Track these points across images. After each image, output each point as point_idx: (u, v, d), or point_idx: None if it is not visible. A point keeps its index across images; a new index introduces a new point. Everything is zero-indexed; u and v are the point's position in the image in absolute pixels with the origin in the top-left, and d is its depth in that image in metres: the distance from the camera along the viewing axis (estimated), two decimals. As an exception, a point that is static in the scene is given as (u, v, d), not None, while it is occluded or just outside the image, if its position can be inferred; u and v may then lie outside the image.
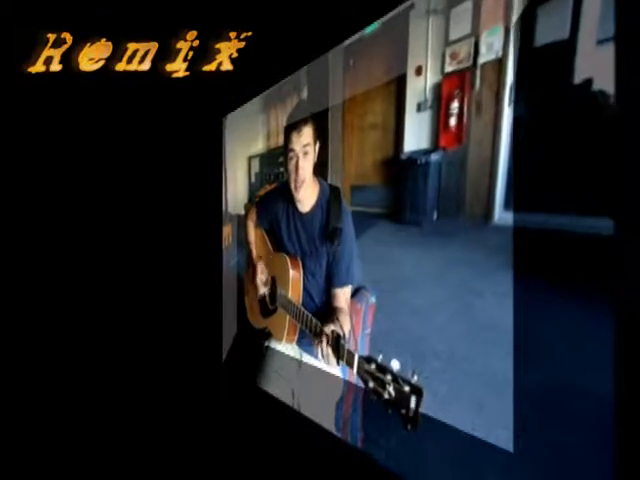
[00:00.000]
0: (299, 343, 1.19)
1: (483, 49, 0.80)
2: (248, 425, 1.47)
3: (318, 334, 0.97)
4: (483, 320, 0.75)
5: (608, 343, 0.59)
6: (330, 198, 1.11)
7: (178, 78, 1.66)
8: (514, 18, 0.74)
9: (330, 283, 1.12)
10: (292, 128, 1.09)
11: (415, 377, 0.69)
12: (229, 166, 1.88)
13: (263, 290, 1.34)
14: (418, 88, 0.96)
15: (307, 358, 1.18)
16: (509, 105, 0.77)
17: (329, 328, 0.95)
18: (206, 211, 1.83)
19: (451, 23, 0.88)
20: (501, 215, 0.78)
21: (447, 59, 0.88)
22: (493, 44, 0.78)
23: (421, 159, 0.93)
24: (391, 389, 0.71)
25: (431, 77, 0.92)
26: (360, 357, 0.81)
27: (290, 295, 1.15)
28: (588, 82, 0.65)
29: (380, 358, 0.77)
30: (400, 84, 1.00)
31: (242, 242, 1.58)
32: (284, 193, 1.21)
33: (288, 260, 1.16)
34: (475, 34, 0.82)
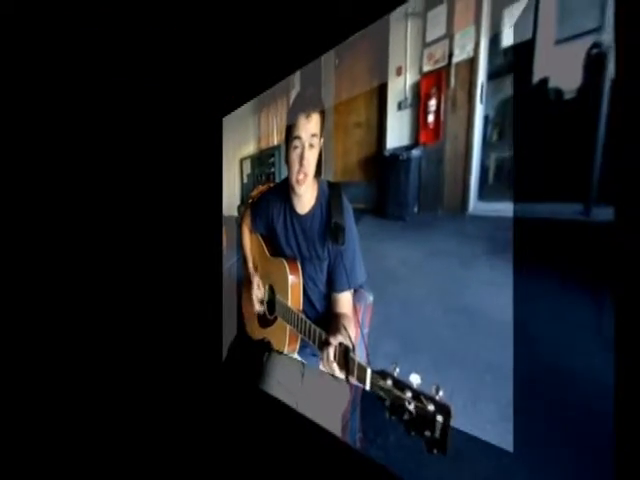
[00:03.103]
0: (301, 353, 1.12)
1: (456, 50, 0.85)
2: (248, 425, 1.47)
3: (323, 345, 0.90)
4: (472, 309, 0.79)
5: (609, 337, 0.59)
6: (330, 196, 1.04)
7: (177, 78, 1.68)
8: (484, 20, 0.79)
9: (331, 288, 1.04)
10: (299, 112, 0.99)
11: (440, 393, 0.62)
12: (223, 169, 1.92)
13: (259, 308, 1.26)
14: (398, 87, 1.00)
15: (310, 368, 1.11)
16: (481, 102, 0.81)
17: (335, 339, 0.88)
18: (206, 211, 1.85)
19: (428, 25, 0.93)
20: (476, 205, 0.83)
21: (425, 59, 0.93)
22: (465, 45, 0.83)
23: (403, 155, 0.97)
24: (412, 408, 0.63)
25: (410, 77, 0.97)
26: (374, 372, 0.72)
27: (290, 303, 1.07)
28: (546, 80, 0.70)
29: (397, 372, 0.68)
30: (382, 84, 1.05)
31: (237, 245, 1.58)
32: (280, 193, 1.14)
33: (286, 265, 1.09)
34: (449, 35, 0.86)
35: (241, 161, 1.77)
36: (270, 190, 1.37)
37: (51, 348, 1.58)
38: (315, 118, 0.98)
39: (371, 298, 1.01)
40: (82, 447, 1.50)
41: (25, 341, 1.55)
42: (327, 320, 1.02)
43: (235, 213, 1.82)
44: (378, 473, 0.95)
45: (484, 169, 0.80)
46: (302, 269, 1.07)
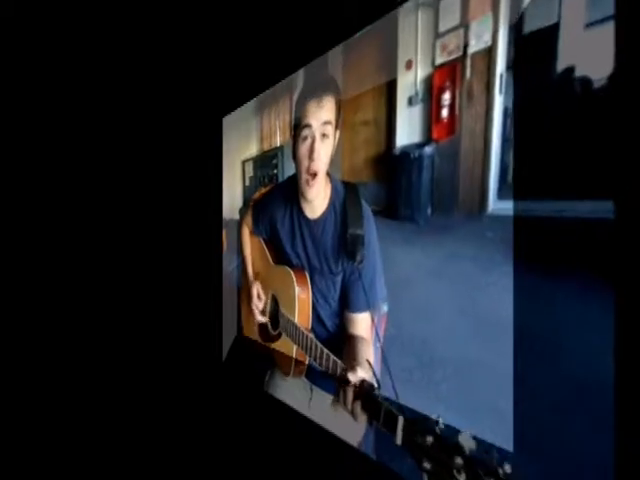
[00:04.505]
0: (309, 376, 0.96)
1: (472, 39, 0.80)
2: (248, 425, 1.45)
3: (338, 379, 0.74)
4: (489, 316, 0.73)
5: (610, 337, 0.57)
6: (346, 198, 0.89)
7: (177, 77, 1.64)
8: (503, 5, 0.74)
9: (346, 306, 0.89)
10: (309, 96, 0.84)
11: (507, 468, 0.46)
12: (224, 171, 1.88)
13: (261, 319, 1.10)
14: (409, 82, 0.95)
15: (319, 392, 0.95)
16: (500, 94, 0.76)
17: (355, 375, 0.71)
18: (206, 211, 1.82)
19: (440, 15, 0.87)
20: (495, 205, 0.77)
21: (437, 51, 0.87)
22: (482, 34, 0.78)
23: (414, 153, 0.91)
24: None
25: (422, 70, 0.92)
26: (406, 420, 0.55)
27: (297, 319, 0.91)
28: (572, 68, 0.64)
29: (440, 424, 0.50)
30: (390, 79, 1.00)
31: (238, 248, 1.53)
32: (286, 192, 0.99)
33: (293, 275, 0.93)
34: (464, 25, 0.81)
35: (243, 163, 1.72)
36: (275, 188, 1.22)
37: (51, 348, 1.57)
38: (329, 103, 0.83)
39: (385, 308, 0.88)
40: (82, 447, 1.49)
41: (26, 343, 1.53)
42: (340, 341, 0.87)
43: (237, 216, 1.76)
44: (378, 473, 0.90)
45: (504, 165, 0.74)
46: (311, 281, 0.92)
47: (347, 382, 0.70)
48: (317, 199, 0.90)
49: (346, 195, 0.89)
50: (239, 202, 1.78)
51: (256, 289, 1.11)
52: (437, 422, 0.50)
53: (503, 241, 0.75)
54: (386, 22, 0.99)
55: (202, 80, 1.72)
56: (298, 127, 0.86)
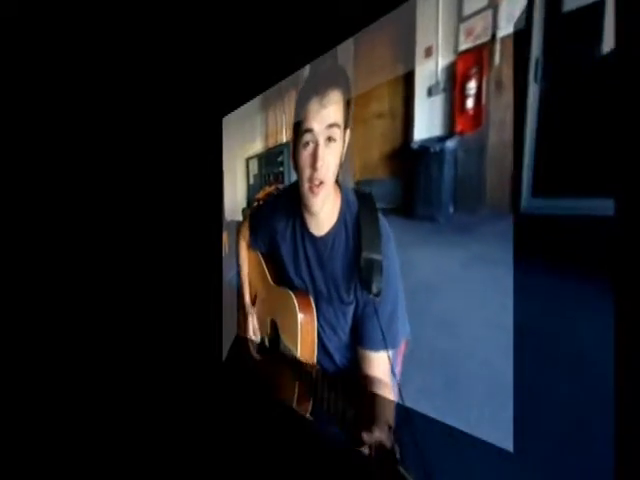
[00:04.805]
0: (315, 415, 0.80)
1: (503, 21, 0.72)
2: (248, 425, 1.43)
3: (350, 433, 0.60)
4: (522, 328, 0.66)
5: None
6: (359, 212, 0.73)
7: (175, 77, 1.61)
8: (538, -17, 0.67)
9: (359, 342, 0.73)
10: (311, 92, 0.67)
11: None
12: (226, 170, 1.81)
13: (258, 356, 0.96)
14: (428, 71, 0.88)
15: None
16: (535, 81, 0.69)
17: (371, 436, 0.57)
18: (206, 211, 1.80)
19: (465, -3, 0.81)
20: (529, 202, 0.70)
21: (462, 36, 0.80)
22: (514, 14, 0.71)
23: (434, 147, 0.84)
24: None
25: (443, 57, 0.85)
26: None
27: (299, 352, 0.77)
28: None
29: None
30: (408, 68, 0.93)
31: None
32: (287, 203, 0.82)
33: (295, 299, 0.78)
34: (493, 5, 0.74)
35: (247, 161, 1.66)
36: (275, 196, 1.07)
37: (52, 347, 1.58)
38: (335, 100, 0.66)
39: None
40: (81, 446, 1.51)
41: (26, 344, 1.53)
42: (351, 377, 0.72)
43: (240, 217, 1.70)
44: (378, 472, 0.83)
45: (540, 158, 0.67)
46: (316, 308, 0.77)
47: (360, 441, 0.53)
48: (323, 212, 0.75)
49: (360, 208, 0.74)
50: (243, 202, 1.71)
51: (252, 321, 0.97)
52: None
53: (538, 242, 0.68)
54: (402, 6, 0.92)
55: (201, 78, 1.67)
56: (298, 131, 0.70)
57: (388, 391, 0.66)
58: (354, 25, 1.02)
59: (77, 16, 1.50)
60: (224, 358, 1.67)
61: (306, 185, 0.70)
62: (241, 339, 1.25)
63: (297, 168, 0.72)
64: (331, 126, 0.65)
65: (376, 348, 0.69)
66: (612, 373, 0.54)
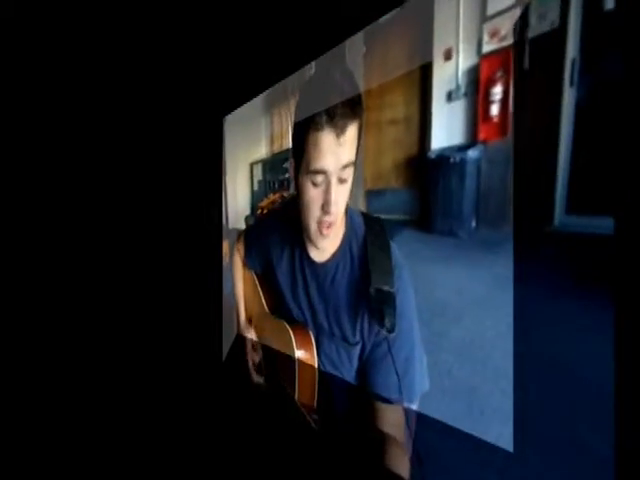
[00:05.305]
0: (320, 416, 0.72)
1: (533, 20, 0.66)
2: (248, 425, 1.41)
3: None
4: (556, 358, 0.59)
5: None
6: (367, 236, 0.63)
7: (174, 74, 1.57)
8: (575, -22, 0.61)
9: (367, 389, 0.63)
10: (325, 124, 0.53)
11: None
12: (229, 175, 1.76)
13: (258, 378, 0.91)
14: (448, 74, 0.82)
15: None
16: (570, 85, 0.62)
17: None
18: (206, 212, 1.77)
19: (489, -5, 0.74)
20: (563, 218, 0.63)
21: (485, 37, 0.74)
22: (546, 13, 0.65)
23: (455, 157, 0.78)
24: None
25: (464, 60, 0.79)
26: None
27: (297, 394, 0.69)
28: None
29: None
30: (425, 71, 0.87)
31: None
32: (285, 224, 0.71)
33: (292, 334, 0.67)
34: (521, 3, 0.68)
35: (251, 165, 1.60)
36: (272, 214, 0.97)
37: (52, 347, 1.54)
38: (352, 136, 0.53)
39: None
40: (81, 446, 1.48)
41: (27, 344, 1.52)
42: (353, 425, 0.63)
43: (243, 225, 1.64)
44: (377, 473, 0.79)
45: (576, 171, 0.61)
46: (316, 343, 0.67)
47: None
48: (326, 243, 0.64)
49: (367, 232, 0.63)
50: (246, 209, 1.65)
51: (250, 338, 0.90)
52: None
53: (573, 262, 0.62)
54: (419, 5, 0.86)
55: (201, 75, 1.62)
56: (306, 167, 0.56)
57: (400, 455, 0.55)
58: (360, 21, 0.95)
59: (77, 16, 1.47)
60: (224, 358, 1.69)
61: (313, 225, 0.60)
62: (241, 339, 1.22)
63: (302, 204, 0.60)
64: (346, 166, 0.54)
65: (388, 397, 0.58)
66: (612, 374, 0.52)
